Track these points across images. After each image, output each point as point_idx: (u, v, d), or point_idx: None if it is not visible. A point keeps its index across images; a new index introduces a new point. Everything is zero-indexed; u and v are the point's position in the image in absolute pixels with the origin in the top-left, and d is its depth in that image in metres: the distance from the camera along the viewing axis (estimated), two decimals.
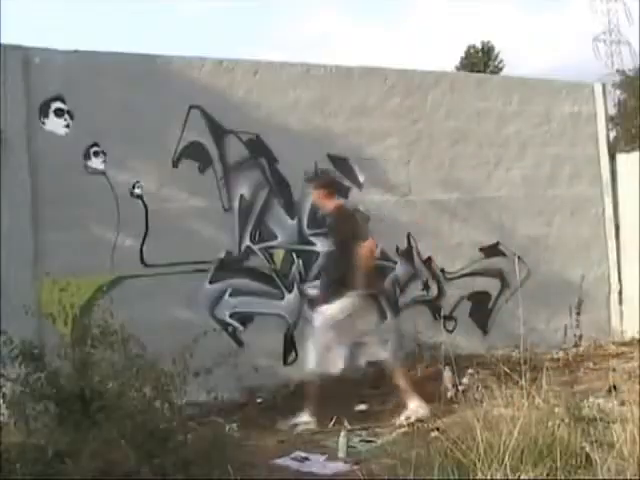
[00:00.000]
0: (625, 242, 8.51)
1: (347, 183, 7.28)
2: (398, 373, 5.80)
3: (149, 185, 6.38)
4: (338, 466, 4.68)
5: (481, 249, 7.95)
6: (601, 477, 3.48)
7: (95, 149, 6.20)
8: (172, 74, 6.56)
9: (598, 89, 8.93)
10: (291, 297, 6.91)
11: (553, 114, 8.45)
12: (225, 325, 6.59)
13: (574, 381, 4.93)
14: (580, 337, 7.62)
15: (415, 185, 7.63)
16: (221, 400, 5.49)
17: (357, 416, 5.77)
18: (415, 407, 5.61)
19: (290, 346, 6.87)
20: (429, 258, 7.64)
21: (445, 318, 7.69)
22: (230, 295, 6.66)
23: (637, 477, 3.45)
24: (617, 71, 28.57)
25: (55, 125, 6.07)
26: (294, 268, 6.94)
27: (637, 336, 7.89)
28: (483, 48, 29.64)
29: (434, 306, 7.66)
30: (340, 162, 7.24)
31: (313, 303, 6.12)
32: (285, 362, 6.85)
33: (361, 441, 5.15)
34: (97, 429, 3.94)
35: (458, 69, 27.00)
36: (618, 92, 26.99)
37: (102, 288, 6.00)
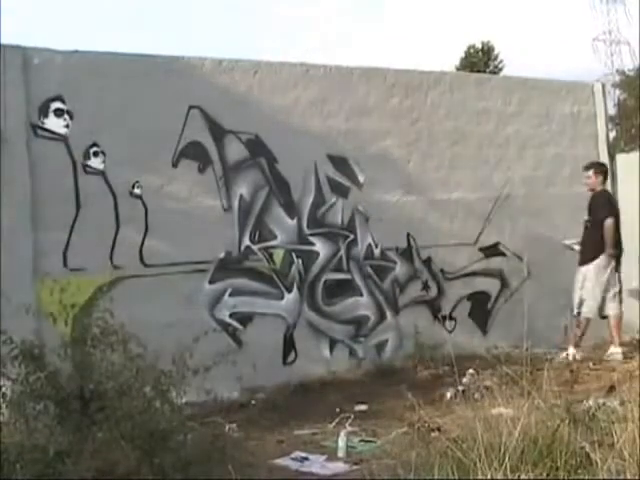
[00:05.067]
0: (625, 242, 8.49)
1: (347, 183, 7.29)
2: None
3: (149, 185, 6.38)
4: (338, 466, 4.69)
5: (481, 249, 7.95)
6: (601, 477, 3.48)
7: (95, 149, 6.19)
8: (172, 74, 6.56)
9: (598, 89, 8.94)
10: (291, 297, 6.91)
11: (553, 114, 8.45)
12: (225, 325, 6.59)
13: (574, 381, 4.94)
14: (580, 337, 7.62)
15: (415, 185, 7.63)
16: (221, 400, 5.49)
17: (357, 416, 5.77)
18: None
19: (290, 346, 6.88)
20: (429, 258, 7.65)
21: (445, 318, 7.70)
22: (230, 295, 6.66)
23: (637, 477, 3.45)
24: (617, 71, 28.62)
25: (55, 125, 6.07)
26: (294, 268, 6.94)
27: (637, 336, 7.88)
28: (483, 48, 29.62)
29: (434, 306, 7.67)
30: (340, 162, 7.24)
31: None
32: (285, 362, 6.85)
33: (361, 441, 5.15)
34: (97, 429, 3.94)
35: (458, 69, 26.98)
36: (618, 92, 27.04)
37: (102, 288, 6.00)
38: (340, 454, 4.88)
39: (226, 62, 6.88)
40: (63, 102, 6.10)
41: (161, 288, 6.29)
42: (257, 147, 6.85)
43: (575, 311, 7.51)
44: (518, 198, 8.14)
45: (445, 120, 7.80)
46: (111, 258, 6.17)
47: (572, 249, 7.82)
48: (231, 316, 6.65)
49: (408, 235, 7.53)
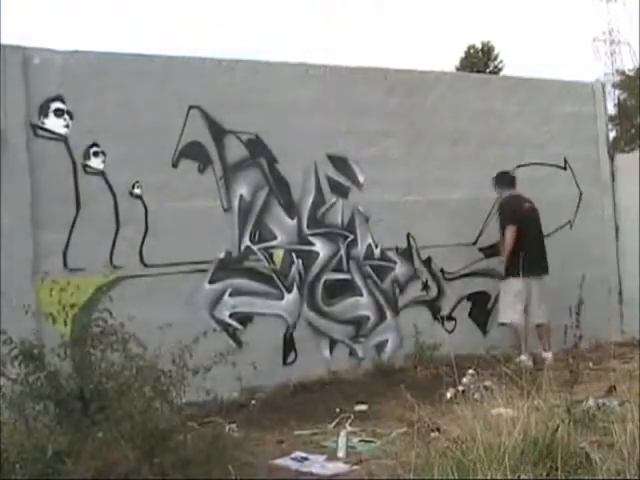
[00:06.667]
0: (625, 242, 8.51)
1: (347, 183, 7.29)
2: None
3: (149, 185, 6.38)
4: (338, 466, 4.68)
5: (481, 249, 7.95)
6: (601, 477, 3.48)
7: (95, 149, 6.20)
8: (172, 74, 6.56)
9: (598, 89, 8.94)
10: (290, 297, 6.91)
11: (553, 114, 8.44)
12: (225, 325, 6.59)
13: (574, 381, 4.92)
14: (580, 337, 7.62)
15: (415, 185, 7.63)
16: (221, 400, 5.49)
17: (357, 416, 5.77)
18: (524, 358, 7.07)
19: (290, 346, 6.88)
20: (429, 258, 7.65)
21: (445, 318, 7.70)
22: (230, 295, 6.66)
23: (637, 477, 3.45)
24: (617, 71, 28.64)
25: (55, 125, 6.07)
26: (294, 268, 6.94)
27: (637, 336, 7.88)
28: (483, 48, 29.64)
29: (434, 306, 7.67)
30: (340, 162, 7.24)
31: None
32: (285, 362, 6.85)
33: (361, 441, 5.15)
34: (97, 429, 3.94)
35: (458, 69, 27.00)
36: (618, 92, 27.06)
37: (102, 288, 6.00)
38: (340, 454, 4.88)
39: (226, 62, 6.88)
40: (63, 102, 6.10)
41: (161, 288, 6.30)
42: (257, 147, 6.85)
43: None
44: None
45: (445, 120, 7.80)
46: (111, 258, 6.17)
47: None
48: (231, 316, 6.65)
49: (408, 235, 7.53)
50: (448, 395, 5.73)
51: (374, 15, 49.28)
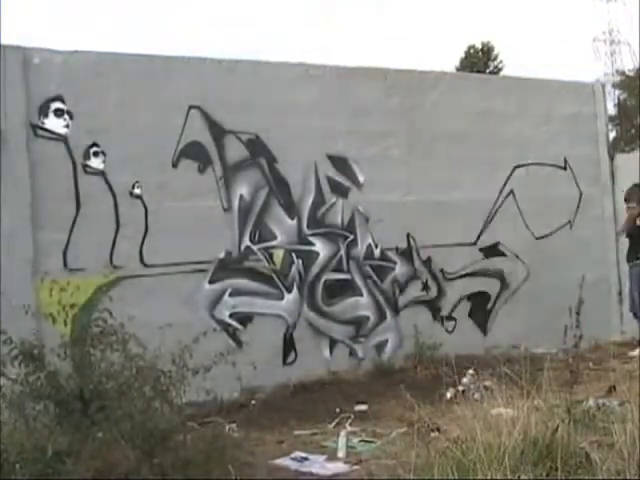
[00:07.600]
0: (625, 242, 8.50)
1: (347, 183, 7.29)
2: None
3: (149, 185, 6.38)
4: (338, 466, 4.68)
5: (481, 249, 7.95)
6: (601, 477, 3.48)
7: (95, 149, 6.20)
8: (172, 74, 6.57)
9: (598, 89, 8.94)
10: (290, 297, 6.91)
11: (553, 114, 8.45)
12: (225, 325, 6.59)
13: (574, 381, 4.92)
14: (580, 337, 7.61)
15: (415, 185, 7.63)
16: (221, 400, 5.49)
17: (357, 416, 5.77)
18: None
19: (290, 346, 6.88)
20: (429, 258, 7.65)
21: (445, 318, 7.70)
22: (230, 295, 6.66)
23: (637, 477, 3.45)
24: (617, 71, 28.65)
25: (55, 125, 6.07)
26: (294, 268, 6.94)
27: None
28: (483, 48, 29.62)
29: (434, 306, 7.67)
30: (340, 162, 7.24)
31: None
32: (285, 362, 6.86)
33: (361, 441, 5.15)
34: (97, 429, 3.94)
35: (458, 69, 26.99)
36: (618, 92, 27.06)
37: (102, 288, 6.00)
38: (340, 454, 4.88)
39: (226, 62, 6.88)
40: (63, 102, 6.10)
41: (161, 288, 6.30)
42: (257, 147, 6.85)
43: None
44: (518, 198, 8.14)
45: (445, 120, 7.80)
46: (111, 258, 6.18)
47: None
48: (231, 316, 6.65)
49: (408, 235, 7.53)
50: (448, 395, 5.74)
51: (374, 15, 49.23)
